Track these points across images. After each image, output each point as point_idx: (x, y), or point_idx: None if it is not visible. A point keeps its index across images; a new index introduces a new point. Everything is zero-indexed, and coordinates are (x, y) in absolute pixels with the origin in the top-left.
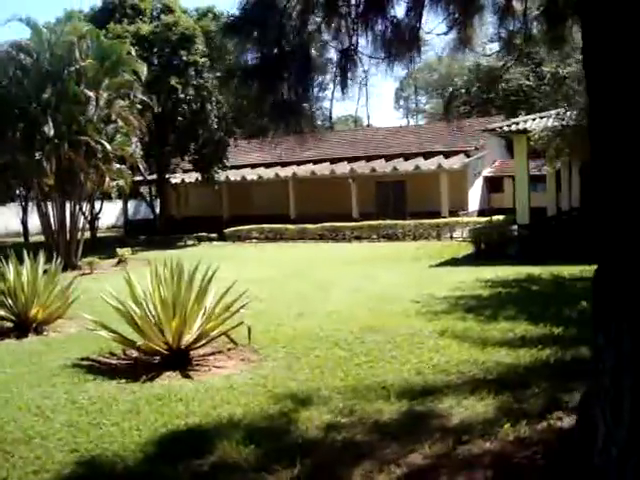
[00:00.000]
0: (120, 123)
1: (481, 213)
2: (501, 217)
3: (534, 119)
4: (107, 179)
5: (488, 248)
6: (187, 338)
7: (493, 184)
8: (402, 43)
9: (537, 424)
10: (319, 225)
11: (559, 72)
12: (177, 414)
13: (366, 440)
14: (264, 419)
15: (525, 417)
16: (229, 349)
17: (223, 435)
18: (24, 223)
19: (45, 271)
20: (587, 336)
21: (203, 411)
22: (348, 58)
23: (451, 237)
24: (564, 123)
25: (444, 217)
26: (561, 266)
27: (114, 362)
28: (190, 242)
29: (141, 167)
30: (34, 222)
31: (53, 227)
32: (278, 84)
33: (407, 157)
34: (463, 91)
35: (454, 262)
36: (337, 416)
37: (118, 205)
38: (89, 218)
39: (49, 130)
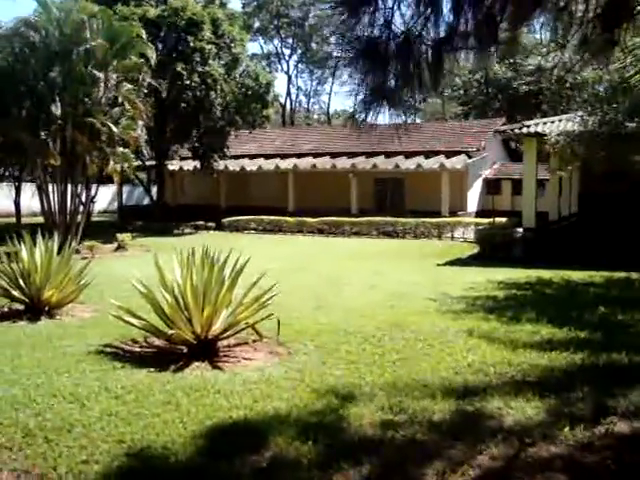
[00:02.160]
0: (127, 106)
1: (479, 214)
2: (503, 219)
3: (545, 123)
4: (111, 162)
5: (493, 249)
6: (215, 328)
7: (492, 186)
8: (490, 35)
9: (594, 428)
10: (319, 219)
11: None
12: (218, 407)
13: (427, 439)
14: (312, 415)
15: (579, 421)
16: (254, 341)
17: (274, 430)
18: (17, 204)
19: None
20: (614, 342)
21: (245, 405)
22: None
23: (452, 237)
24: (582, 128)
25: (444, 216)
26: (568, 270)
27: (137, 350)
28: (187, 230)
29: (145, 152)
30: (25, 203)
31: (53, 209)
32: (382, 68)
33: (408, 155)
34: (462, 92)
35: (460, 262)
36: (387, 413)
37: (110, 189)
38: (85, 201)
39: (56, 110)
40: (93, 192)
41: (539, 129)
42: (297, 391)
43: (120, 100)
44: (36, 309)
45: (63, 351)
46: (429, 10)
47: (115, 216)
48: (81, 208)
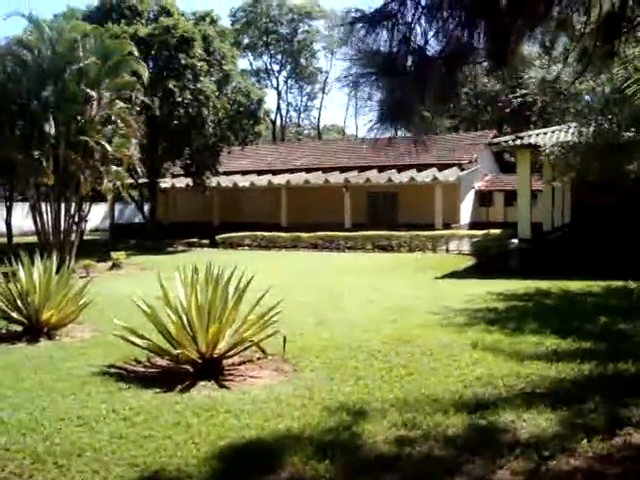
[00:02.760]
0: (120, 124)
1: (472, 226)
2: (497, 231)
3: (538, 134)
4: (105, 181)
5: (489, 261)
6: (220, 347)
7: (484, 198)
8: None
9: (611, 440)
10: (313, 234)
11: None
12: (229, 427)
13: (445, 455)
14: (325, 433)
15: (595, 433)
16: (259, 358)
17: (289, 449)
18: (8, 224)
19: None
20: (620, 351)
21: (256, 424)
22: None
23: (447, 250)
24: (575, 140)
25: (438, 229)
26: (565, 281)
27: (141, 370)
28: (181, 248)
29: (139, 170)
30: (16, 223)
31: (46, 228)
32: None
33: (400, 168)
34: (451, 105)
35: (457, 274)
36: (401, 430)
37: (101, 208)
38: (77, 220)
39: (50, 128)
40: (86, 211)
41: (532, 140)
42: (308, 409)
43: (113, 118)
44: (35, 330)
45: (67, 373)
46: (443, 25)
47: (107, 234)
48: (75, 227)
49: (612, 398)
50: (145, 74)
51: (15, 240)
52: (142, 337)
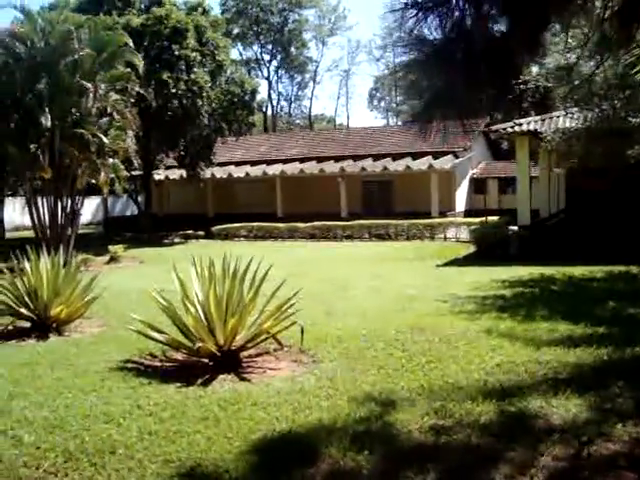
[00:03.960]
0: (115, 116)
1: (467, 214)
2: (495, 218)
3: (536, 121)
4: (102, 174)
5: (490, 248)
6: (238, 339)
7: (478, 185)
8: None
9: None
10: (310, 224)
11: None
12: (259, 420)
13: (483, 443)
14: (358, 423)
15: (627, 417)
16: (275, 350)
17: (324, 441)
18: (0, 220)
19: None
20: (634, 336)
21: (286, 416)
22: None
23: (445, 237)
24: (578, 125)
25: (434, 217)
26: (568, 267)
27: (158, 364)
28: (177, 240)
29: (135, 162)
30: (8, 218)
31: (44, 223)
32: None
33: (395, 157)
34: None
35: (459, 262)
36: (433, 418)
37: (93, 201)
38: (75, 213)
39: (46, 121)
40: (79, 204)
41: (532, 127)
42: (334, 400)
43: (109, 110)
44: (44, 326)
45: (84, 369)
46: (491, 9)
47: (99, 228)
48: (72, 221)
49: (636, 382)
50: (140, 65)
51: (8, 235)
52: (160, 331)
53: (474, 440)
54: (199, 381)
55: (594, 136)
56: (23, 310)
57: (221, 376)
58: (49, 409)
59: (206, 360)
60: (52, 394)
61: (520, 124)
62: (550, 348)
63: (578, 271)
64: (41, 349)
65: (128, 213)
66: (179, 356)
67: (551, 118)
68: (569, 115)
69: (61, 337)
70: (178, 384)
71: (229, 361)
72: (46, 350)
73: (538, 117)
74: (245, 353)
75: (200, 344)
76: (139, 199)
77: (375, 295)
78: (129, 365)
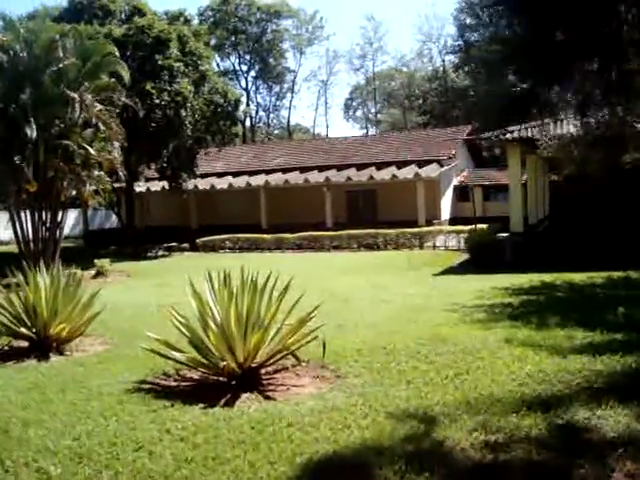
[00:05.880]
0: (101, 127)
1: (453, 222)
2: (484, 226)
3: (526, 128)
4: (87, 186)
5: (483, 256)
6: (259, 355)
7: (462, 193)
8: None
9: None
10: (297, 234)
11: None
12: (299, 442)
13: (547, 459)
14: (405, 442)
15: None
16: (293, 365)
17: (376, 463)
18: None
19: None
20: None
21: (326, 437)
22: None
23: (434, 246)
24: (577, 131)
25: (421, 226)
26: (565, 272)
27: (174, 384)
28: (161, 253)
29: (121, 174)
30: None
31: (27, 237)
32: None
33: (379, 166)
34: (421, 101)
35: (454, 270)
36: (482, 434)
37: (71, 214)
38: (59, 227)
39: (31, 132)
40: (60, 217)
41: (522, 134)
42: (372, 417)
43: (94, 121)
44: (44, 345)
45: (97, 391)
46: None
47: (79, 242)
48: (56, 235)
49: None
50: (126, 75)
51: None
52: (179, 350)
53: (535, 456)
54: (222, 401)
55: (592, 142)
56: (23, 329)
57: (244, 395)
58: (71, 437)
59: (224, 379)
60: (70, 420)
61: (512, 131)
62: (575, 356)
63: (578, 277)
64: (45, 370)
65: (107, 226)
66: (194, 375)
67: (542, 125)
68: (562, 121)
69: (62, 357)
70: (201, 405)
71: (249, 379)
72: (50, 371)
73: (527, 124)
74: (263, 370)
75: (224, 362)
76: (119, 212)
77: (381, 306)
78: (145, 386)
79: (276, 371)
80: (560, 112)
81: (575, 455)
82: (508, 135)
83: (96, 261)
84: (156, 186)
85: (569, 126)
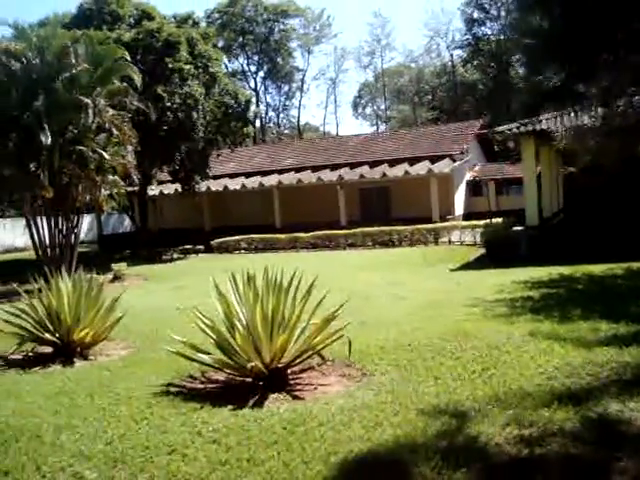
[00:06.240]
0: (114, 132)
1: (466, 217)
2: (499, 220)
3: (540, 120)
4: (102, 191)
5: (500, 250)
6: (285, 356)
7: (475, 188)
8: None
9: None
10: (311, 233)
11: None
12: (333, 441)
13: (584, 452)
14: (439, 438)
15: None
16: (318, 364)
17: (411, 460)
18: None
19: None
20: None
21: (359, 435)
22: None
23: (449, 241)
24: (593, 121)
25: (435, 222)
26: (583, 265)
27: (200, 386)
28: (176, 255)
29: (135, 178)
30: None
31: (44, 243)
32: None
33: (391, 163)
34: (430, 96)
35: (471, 265)
36: (515, 428)
37: (84, 219)
38: (75, 232)
39: (46, 140)
40: (76, 222)
41: (537, 127)
42: (403, 414)
43: (107, 126)
44: (68, 351)
45: (126, 395)
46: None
47: (94, 246)
48: (72, 240)
49: None
50: (138, 79)
51: (2, 257)
52: (206, 352)
53: (571, 450)
54: (250, 402)
55: (609, 132)
56: (47, 335)
57: (272, 395)
58: (104, 442)
59: (250, 379)
60: (101, 425)
61: (525, 124)
62: (602, 349)
63: (596, 269)
64: (71, 375)
65: (120, 230)
66: (220, 377)
67: (555, 117)
68: (577, 113)
69: (87, 361)
70: (230, 406)
71: (276, 379)
72: (77, 376)
73: (541, 117)
74: (289, 370)
75: (252, 363)
76: (133, 215)
77: (401, 303)
78: (172, 389)
79: (302, 370)
80: (588, 103)
81: (612, 448)
82: (522, 128)
83: (113, 265)
84: (169, 189)
85: (584, 117)
